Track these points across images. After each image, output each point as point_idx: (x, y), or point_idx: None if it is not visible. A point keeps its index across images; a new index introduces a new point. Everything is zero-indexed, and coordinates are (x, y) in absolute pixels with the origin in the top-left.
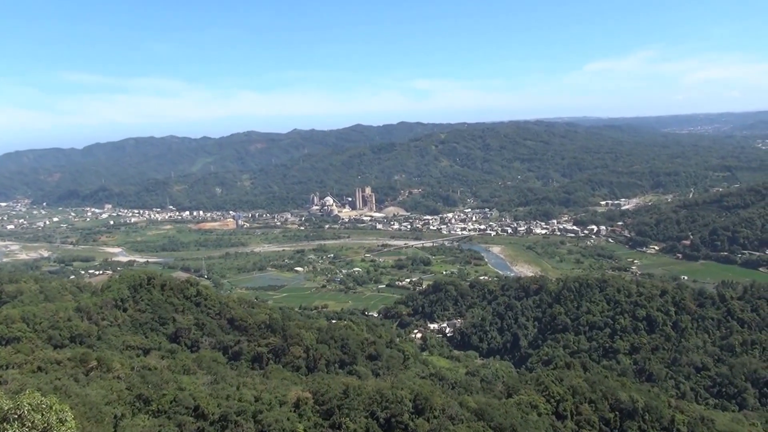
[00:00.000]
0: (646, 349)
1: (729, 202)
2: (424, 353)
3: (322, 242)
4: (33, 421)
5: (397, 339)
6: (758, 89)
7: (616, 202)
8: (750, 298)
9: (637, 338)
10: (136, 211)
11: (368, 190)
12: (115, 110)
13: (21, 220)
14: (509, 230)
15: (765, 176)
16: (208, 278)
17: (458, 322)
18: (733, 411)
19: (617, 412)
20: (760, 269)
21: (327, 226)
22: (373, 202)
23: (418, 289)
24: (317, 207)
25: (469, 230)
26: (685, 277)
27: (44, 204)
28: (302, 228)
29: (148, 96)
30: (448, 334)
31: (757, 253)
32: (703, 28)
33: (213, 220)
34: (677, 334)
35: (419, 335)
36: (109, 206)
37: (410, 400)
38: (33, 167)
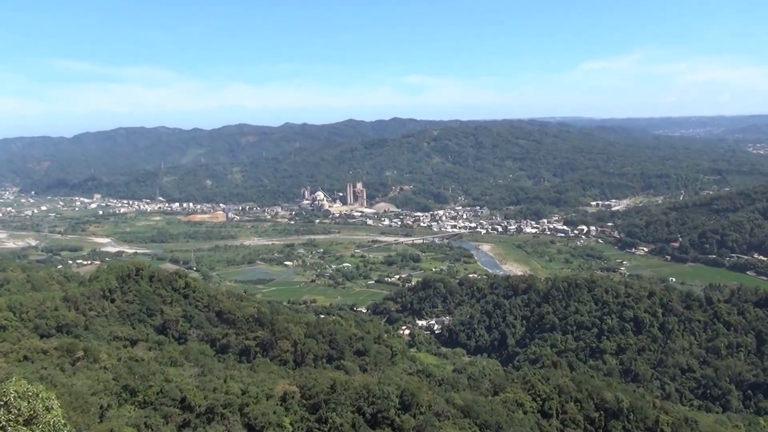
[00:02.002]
0: (633, 350)
1: (719, 205)
2: (412, 350)
3: (312, 237)
4: (19, 409)
5: (385, 335)
6: (751, 93)
7: (606, 202)
8: (737, 302)
9: (624, 339)
10: (125, 201)
11: (359, 186)
12: (104, 99)
13: (9, 209)
14: (499, 229)
15: (755, 180)
16: (196, 270)
17: (446, 319)
18: (717, 413)
19: (602, 412)
20: (748, 273)
21: (317, 220)
22: (364, 197)
23: (407, 285)
24: (308, 201)
25: (460, 228)
26: (673, 279)
27: (32, 192)
28: (292, 222)
29: (139, 85)
30: (436, 331)
31: (745, 257)
32: (697, 30)
33: (203, 212)
34: (664, 336)
35: (407, 332)
36: (98, 196)
37: (397, 396)
38: (21, 155)
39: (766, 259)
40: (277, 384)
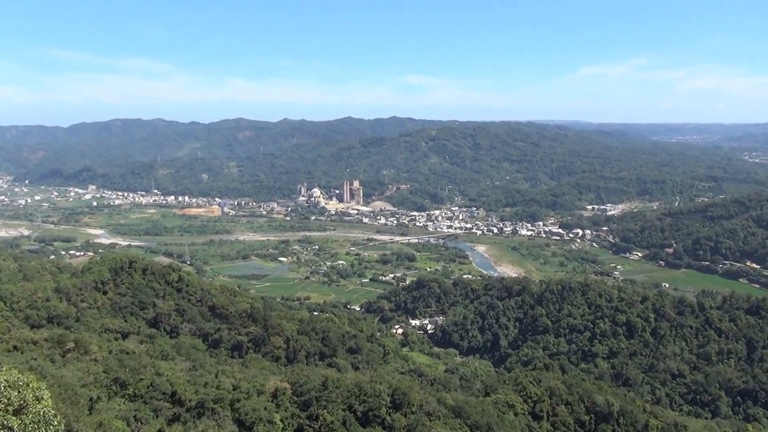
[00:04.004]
0: (624, 354)
1: (713, 212)
2: (405, 349)
3: (308, 233)
4: (9, 398)
5: (378, 334)
6: (748, 101)
7: (602, 207)
8: (728, 308)
9: (616, 343)
10: (120, 193)
11: (356, 184)
12: (101, 90)
13: (2, 197)
14: (495, 230)
15: (750, 188)
16: (190, 264)
17: (440, 319)
18: (706, 418)
19: (593, 415)
20: (740, 280)
21: (313, 217)
22: (361, 195)
23: (401, 284)
24: (304, 198)
25: (455, 228)
26: (667, 285)
27: (26, 182)
28: (288, 218)
29: (136, 77)
30: (429, 331)
31: (738, 264)
32: (695, 39)
33: (198, 206)
34: (655, 341)
35: (400, 331)
36: (93, 187)
37: (388, 395)
38: (16, 144)
39: (758, 266)
40: (269, 380)
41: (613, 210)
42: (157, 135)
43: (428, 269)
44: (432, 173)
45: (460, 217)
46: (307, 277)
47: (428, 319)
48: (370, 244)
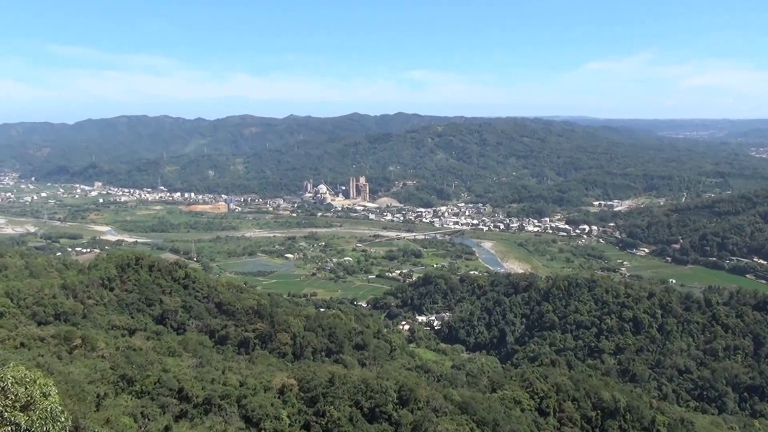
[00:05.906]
0: (631, 350)
1: (720, 208)
2: (411, 345)
3: (314, 230)
4: (16, 394)
5: (385, 330)
6: (755, 97)
7: (609, 203)
8: (735, 304)
9: (623, 339)
10: (126, 190)
11: (362, 180)
12: (106, 86)
13: (8, 194)
14: (501, 226)
15: (757, 184)
16: (197, 261)
17: (446, 315)
18: (713, 414)
19: (599, 411)
20: (747, 276)
21: (319, 214)
22: (367, 192)
23: (408, 281)
24: (310, 194)
25: (462, 224)
26: (673, 281)
27: (32, 179)
28: (294, 215)
29: (141, 74)
30: (435, 327)
31: (745, 260)
32: (702, 34)
33: (204, 202)
34: (662, 337)
35: (407, 327)
36: (99, 184)
37: (395, 391)
38: (22, 141)
39: (765, 262)
40: (276, 376)
41: (620, 206)
42: (163, 131)
43: (435, 265)
44: (438, 169)
45: (467, 213)
46: (314, 274)
47: (435, 315)
48: (377, 240)
